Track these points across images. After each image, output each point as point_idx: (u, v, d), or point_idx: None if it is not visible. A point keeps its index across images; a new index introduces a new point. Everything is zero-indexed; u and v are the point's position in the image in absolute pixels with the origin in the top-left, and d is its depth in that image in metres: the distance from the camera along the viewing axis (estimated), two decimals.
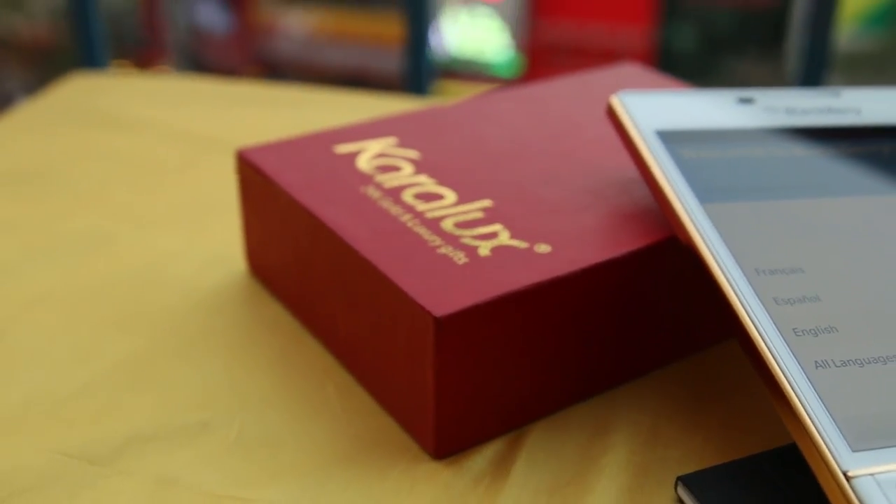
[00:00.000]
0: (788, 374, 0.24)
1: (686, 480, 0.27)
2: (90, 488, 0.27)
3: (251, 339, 0.33)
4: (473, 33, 1.84)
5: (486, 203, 0.31)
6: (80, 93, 0.54)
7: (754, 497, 0.26)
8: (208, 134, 0.49)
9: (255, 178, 0.34)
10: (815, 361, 0.25)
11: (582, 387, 0.30)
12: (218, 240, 0.39)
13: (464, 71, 1.84)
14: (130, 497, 0.27)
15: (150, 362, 0.32)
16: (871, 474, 0.23)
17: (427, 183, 0.33)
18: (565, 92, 0.40)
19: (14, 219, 0.41)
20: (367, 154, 0.34)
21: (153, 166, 0.45)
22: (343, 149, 0.35)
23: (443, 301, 0.26)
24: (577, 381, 0.30)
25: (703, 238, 0.28)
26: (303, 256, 0.32)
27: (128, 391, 0.31)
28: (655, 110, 0.32)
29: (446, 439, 0.28)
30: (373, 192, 0.32)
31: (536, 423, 0.30)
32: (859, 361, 0.25)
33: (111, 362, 0.32)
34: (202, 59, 1.95)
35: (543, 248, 0.29)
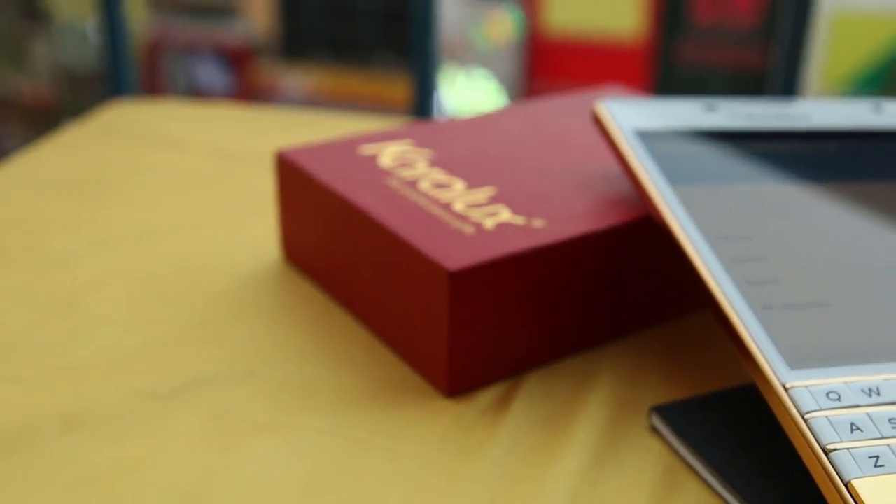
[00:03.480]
0: (741, 315, 0.30)
1: (659, 409, 0.32)
2: (157, 419, 0.32)
3: (288, 309, 0.39)
4: (470, 94, 1.91)
5: (491, 190, 0.37)
6: (121, 116, 0.60)
7: (719, 422, 0.31)
8: (240, 151, 0.54)
9: (292, 173, 0.40)
10: (763, 304, 0.30)
11: (573, 341, 0.36)
12: (254, 235, 0.45)
13: None
14: (191, 424, 0.32)
15: (202, 326, 0.37)
16: (805, 386, 0.28)
17: (440, 175, 0.38)
18: (558, 106, 0.46)
19: (77, 217, 0.46)
20: (388, 153, 0.40)
21: (193, 176, 0.51)
22: (366, 150, 0.41)
23: (455, 259, 0.32)
24: (568, 335, 0.35)
25: (672, 212, 0.33)
26: (333, 237, 0.38)
27: (184, 347, 0.36)
28: (634, 114, 0.38)
29: (458, 380, 0.33)
30: (394, 183, 0.38)
31: (534, 370, 0.35)
32: (797, 305, 0.30)
33: (168, 326, 0.37)
34: None
35: (539, 223, 0.35)
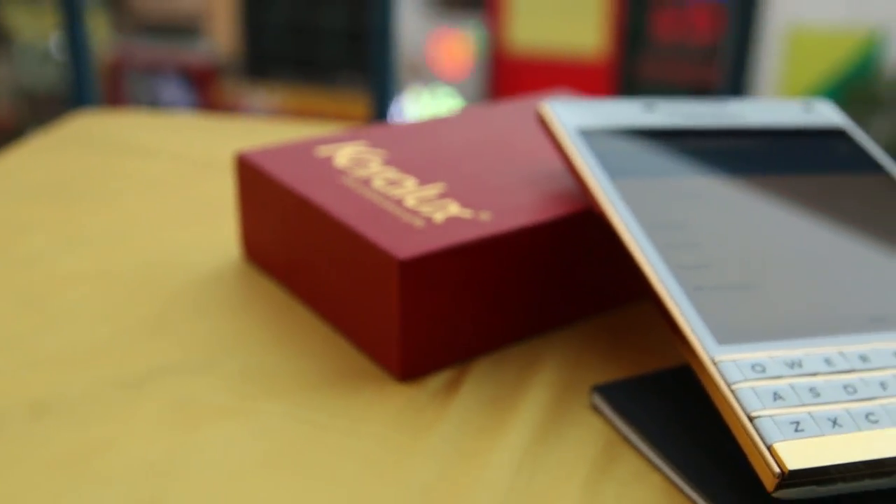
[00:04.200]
0: (674, 296, 0.32)
1: (599, 388, 0.34)
2: (124, 405, 0.33)
3: (248, 304, 0.40)
4: (435, 112, 1.94)
5: (441, 186, 0.39)
6: (85, 126, 0.61)
7: (655, 399, 0.33)
8: (203, 157, 0.56)
9: (251, 174, 0.41)
10: (694, 286, 0.32)
11: (520, 328, 0.37)
12: (217, 235, 0.46)
13: None
14: (156, 410, 0.33)
15: (166, 320, 0.39)
16: (732, 360, 0.30)
17: (392, 173, 0.40)
18: (507, 110, 0.48)
19: (46, 219, 0.48)
20: (343, 154, 0.42)
21: (159, 181, 0.53)
22: (323, 151, 0.42)
23: (405, 249, 0.34)
24: (515, 322, 0.37)
25: (610, 204, 0.35)
26: (291, 234, 0.39)
27: (149, 339, 0.37)
28: (576, 114, 0.40)
29: (410, 365, 0.35)
30: (348, 181, 0.39)
31: (483, 356, 0.37)
32: (726, 286, 0.33)
33: (134, 320, 0.39)
34: None
35: (486, 216, 0.36)
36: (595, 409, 0.34)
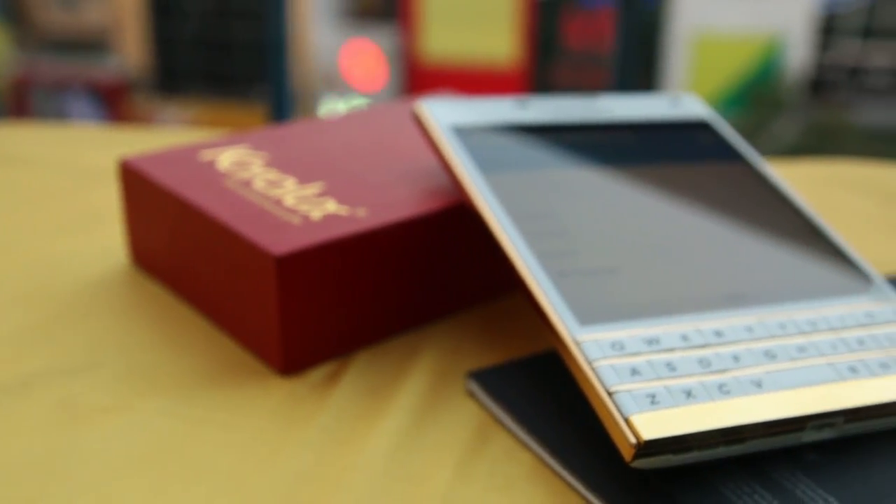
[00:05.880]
0: (539, 281, 0.33)
1: (474, 374, 0.35)
2: (6, 407, 0.34)
3: (134, 307, 0.41)
4: None
5: (320, 185, 0.40)
6: None
7: (526, 382, 0.35)
8: (93, 166, 0.56)
9: (135, 180, 0.42)
10: (559, 272, 0.34)
11: (399, 320, 0.39)
12: (104, 242, 0.46)
13: None
14: (39, 410, 0.34)
15: (51, 324, 0.39)
16: (593, 339, 0.31)
17: (273, 174, 0.41)
18: (390, 110, 0.49)
19: None
20: (225, 157, 0.43)
21: (47, 191, 0.52)
22: (206, 155, 0.43)
23: (281, 246, 0.35)
24: (394, 315, 0.38)
25: (480, 196, 0.36)
26: (175, 238, 0.40)
27: (33, 343, 0.38)
28: (451, 112, 0.41)
29: (290, 359, 0.36)
30: (230, 184, 0.40)
31: (363, 348, 0.38)
32: (589, 271, 0.34)
33: (18, 325, 0.39)
34: None
35: (362, 212, 0.37)
36: (470, 394, 0.35)
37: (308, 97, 3.04)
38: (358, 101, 1.89)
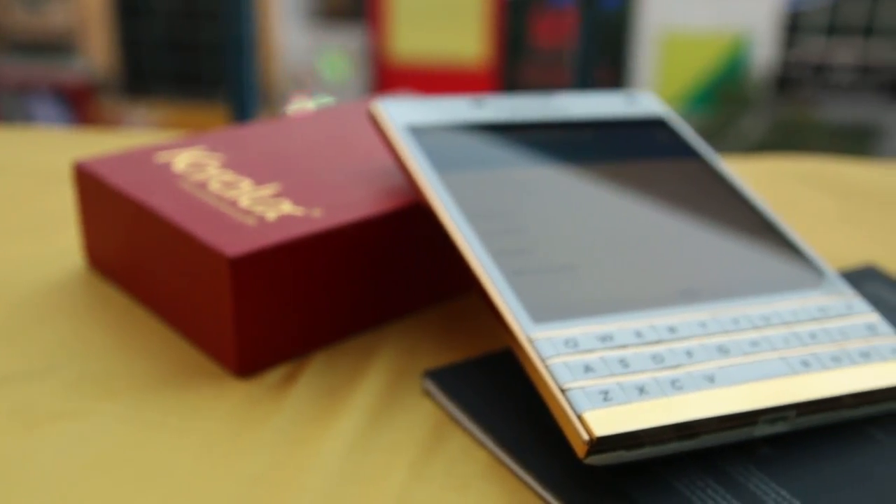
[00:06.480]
0: (494, 280, 0.33)
1: (430, 373, 0.35)
2: None
3: (90, 311, 0.40)
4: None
5: (276, 186, 0.40)
6: None
7: (481, 381, 0.35)
8: (51, 170, 0.56)
9: (90, 183, 0.41)
10: (514, 271, 0.34)
11: (356, 320, 0.39)
12: (61, 246, 0.46)
13: None
14: None
15: (5, 329, 0.39)
16: (547, 337, 0.31)
17: (229, 176, 0.41)
18: (349, 110, 0.49)
19: None
20: (181, 159, 0.42)
21: (2, 194, 0.52)
22: (161, 157, 0.43)
23: (235, 247, 0.34)
24: (351, 315, 0.38)
25: (436, 196, 0.36)
26: (131, 240, 0.40)
27: None
28: (407, 111, 0.41)
29: (246, 361, 0.36)
30: (185, 185, 0.40)
31: (321, 349, 0.38)
32: (545, 269, 0.34)
33: None
34: None
35: (318, 213, 0.37)
36: (427, 393, 0.35)
37: (277, 97, 3.03)
38: (327, 101, 1.89)
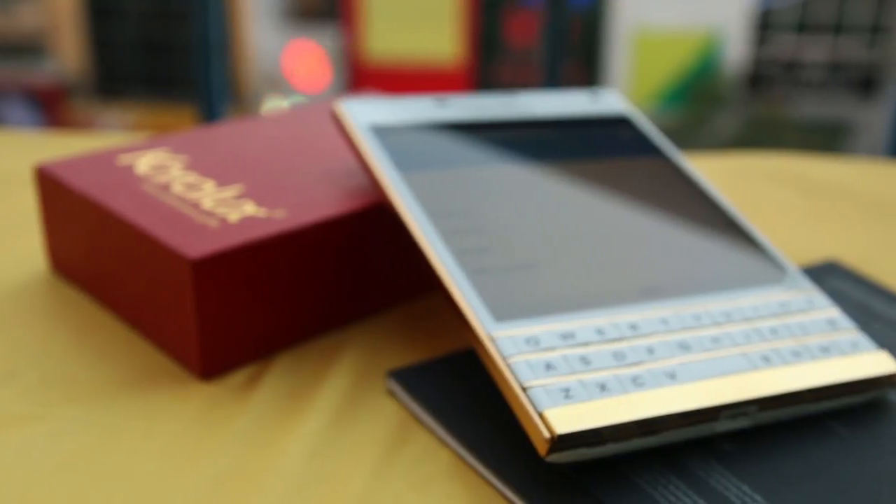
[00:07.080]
0: (455, 279, 0.33)
1: (394, 373, 0.35)
2: None
3: (52, 314, 0.40)
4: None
5: (239, 188, 0.40)
6: None
7: (445, 380, 0.35)
8: (12, 172, 0.55)
9: (51, 186, 0.41)
10: (475, 269, 0.34)
11: (320, 321, 0.38)
12: (23, 250, 0.46)
13: None
14: None
15: None
16: (508, 335, 0.31)
17: (192, 178, 0.41)
18: (314, 111, 0.49)
19: None
20: (144, 161, 0.42)
21: None
22: (124, 159, 0.43)
23: (197, 249, 0.34)
24: (315, 316, 0.38)
25: (397, 195, 0.36)
26: (93, 243, 0.40)
27: None
28: (370, 111, 0.41)
29: (210, 363, 0.36)
30: (147, 188, 0.40)
31: (285, 350, 0.38)
32: (506, 268, 0.34)
33: None
34: None
35: (280, 214, 0.37)
36: (390, 393, 0.35)
37: (250, 98, 3.02)
38: (299, 101, 1.89)
